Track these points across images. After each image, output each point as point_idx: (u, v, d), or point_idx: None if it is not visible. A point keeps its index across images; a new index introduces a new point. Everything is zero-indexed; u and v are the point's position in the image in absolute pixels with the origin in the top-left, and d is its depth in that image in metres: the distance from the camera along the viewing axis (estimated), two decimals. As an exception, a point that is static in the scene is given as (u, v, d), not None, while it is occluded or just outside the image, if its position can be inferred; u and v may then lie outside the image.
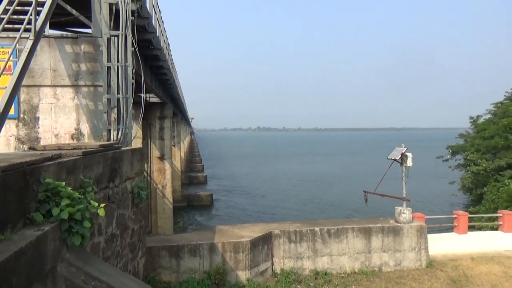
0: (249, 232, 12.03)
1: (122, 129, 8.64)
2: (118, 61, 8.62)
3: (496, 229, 14.79)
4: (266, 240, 11.93)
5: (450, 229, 14.56)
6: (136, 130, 12.18)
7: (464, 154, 44.99)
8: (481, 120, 52.21)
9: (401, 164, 13.15)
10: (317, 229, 12.35)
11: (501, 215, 14.51)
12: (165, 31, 14.85)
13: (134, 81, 9.09)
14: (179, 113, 37.68)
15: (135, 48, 9.04)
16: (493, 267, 12.49)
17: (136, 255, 8.15)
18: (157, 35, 11.65)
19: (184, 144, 57.75)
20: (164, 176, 19.14)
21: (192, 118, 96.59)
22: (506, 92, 51.01)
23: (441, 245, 13.87)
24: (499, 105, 50.20)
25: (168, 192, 19.17)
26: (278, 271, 11.90)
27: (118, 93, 8.67)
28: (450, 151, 49.80)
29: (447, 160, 49.91)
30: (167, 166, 19.33)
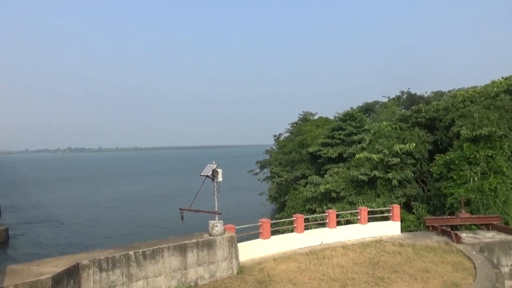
0: (52, 268, 10.53)
1: None
2: None
3: (293, 231, 17.22)
4: (72, 274, 10.66)
5: (257, 236, 16.17)
6: None
7: (270, 167, 51.24)
8: (282, 137, 60.73)
9: (213, 179, 13.93)
10: (131, 252, 11.80)
11: (295, 218, 17.00)
12: None
13: None
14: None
15: None
16: (290, 264, 14.46)
17: None
18: None
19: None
20: None
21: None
22: (299, 114, 60.68)
23: (250, 251, 15.27)
24: (294, 124, 59.35)
25: None
26: (87, 305, 10.77)
27: None
28: (259, 165, 56.05)
29: (256, 173, 55.90)
30: None
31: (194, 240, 13.13)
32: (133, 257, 11.81)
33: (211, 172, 13.73)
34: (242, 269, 13.97)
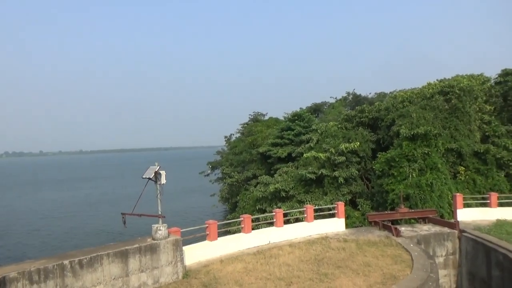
0: (-27, 283, 9.63)
1: None
2: None
3: (240, 231, 17.15)
4: (-2, 288, 9.81)
5: (205, 238, 15.91)
6: None
7: (221, 168, 50.97)
8: (233, 138, 60.66)
9: (156, 182, 13.49)
10: (66, 262, 11.09)
11: (242, 219, 16.95)
12: None
13: None
14: None
15: None
16: (237, 265, 14.36)
17: None
18: None
19: None
20: None
21: None
22: (250, 114, 60.90)
23: (196, 254, 14.98)
24: (245, 125, 59.49)
25: None
26: (16, 321, 9.95)
27: None
28: (210, 166, 55.55)
29: (207, 175, 55.35)
30: None
31: (136, 245, 12.62)
32: (68, 266, 11.11)
33: (153, 174, 13.29)
34: (188, 273, 13.66)
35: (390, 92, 53.66)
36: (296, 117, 39.57)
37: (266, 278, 13.11)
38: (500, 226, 19.29)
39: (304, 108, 53.25)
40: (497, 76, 33.20)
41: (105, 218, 48.15)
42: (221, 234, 17.05)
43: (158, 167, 13.37)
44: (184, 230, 14.91)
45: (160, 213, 13.51)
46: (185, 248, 14.33)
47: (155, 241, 13.12)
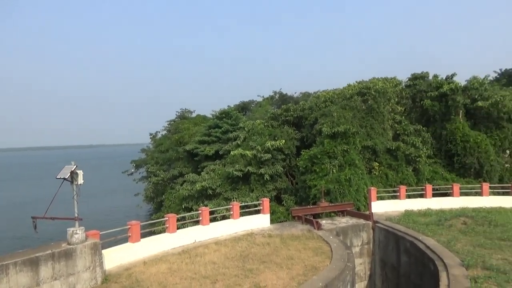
0: None
1: None
2: None
3: (165, 231, 16.70)
4: None
5: (127, 240, 15.20)
6: None
7: (146, 167, 49.19)
8: (159, 135, 58.91)
9: (72, 182, 12.56)
10: (-38, 274, 9.85)
11: (167, 218, 16.52)
12: None
13: None
14: None
15: None
16: (161, 266, 13.97)
17: None
18: None
19: None
20: None
21: None
22: (177, 111, 59.61)
23: (118, 257, 14.26)
24: (172, 122, 58.13)
25: None
26: None
27: None
28: (134, 165, 53.36)
29: (131, 174, 53.10)
30: None
31: (48, 252, 11.63)
32: (-34, 279, 9.89)
33: (69, 174, 12.35)
34: (107, 278, 12.95)
35: (314, 92, 56.21)
36: (224, 115, 39.65)
37: (191, 277, 12.94)
38: (407, 216, 21.24)
39: (232, 106, 53.56)
40: (407, 79, 36.40)
41: (14, 223, 43.80)
42: (145, 235, 16.45)
43: (75, 166, 12.46)
44: (104, 232, 14.09)
45: (76, 215, 12.61)
46: (104, 251, 13.57)
47: (71, 246, 12.22)
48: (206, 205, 24.85)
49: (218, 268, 13.74)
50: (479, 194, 24.37)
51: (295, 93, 60.13)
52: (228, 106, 46.76)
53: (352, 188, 24.09)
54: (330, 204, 22.42)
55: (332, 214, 22.80)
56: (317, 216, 21.91)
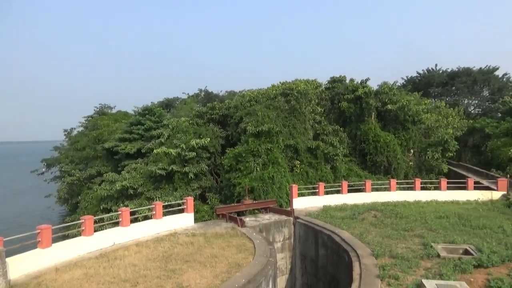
0: None
1: None
2: None
3: (80, 234, 15.63)
4: None
5: (36, 246, 13.95)
6: None
7: (59, 166, 45.50)
8: (75, 132, 54.91)
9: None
10: None
11: (83, 220, 15.49)
12: None
13: None
14: None
15: None
16: (75, 272, 13.06)
17: None
18: None
19: None
20: None
21: None
22: (95, 106, 56.15)
23: (25, 265, 13.03)
24: (89, 118, 54.58)
25: None
26: None
27: None
28: (45, 164, 49.01)
29: (42, 173, 48.71)
30: None
31: None
32: None
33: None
34: (12, 288, 11.77)
35: (239, 91, 56.86)
36: (147, 111, 38.28)
37: (109, 282, 12.30)
38: (325, 211, 22.52)
39: (156, 102, 51.93)
40: (327, 82, 38.50)
41: None
42: (58, 239, 15.28)
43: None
44: (8, 238, 12.78)
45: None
46: (9, 259, 12.32)
47: (-33, 255, 10.89)
48: (126, 206, 23.78)
49: (139, 271, 13.25)
50: (388, 189, 26.65)
51: (221, 91, 60.29)
52: (151, 102, 45.24)
53: (275, 186, 24.83)
54: (254, 202, 22.88)
55: (256, 211, 23.28)
56: (241, 213, 22.22)
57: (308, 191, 25.92)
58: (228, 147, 28.57)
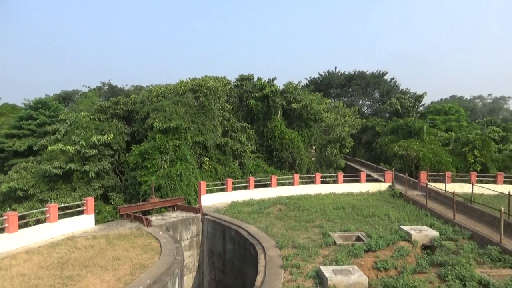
0: None
1: None
2: None
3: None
4: None
5: None
6: None
7: None
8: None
9: None
10: None
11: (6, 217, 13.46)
12: None
13: None
14: None
15: None
16: None
17: None
18: None
19: None
20: None
21: None
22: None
23: None
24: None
25: None
26: None
27: None
28: None
29: None
30: None
31: None
32: None
33: None
34: None
35: (146, 86, 54.70)
36: (40, 105, 34.71)
37: (-9, 296, 10.94)
38: (233, 206, 22.91)
39: (51, 95, 47.34)
40: (235, 80, 39.10)
41: None
42: None
43: None
44: None
45: None
46: None
47: None
48: (14, 209, 21.34)
49: (29, 280, 12.01)
50: (292, 184, 28.10)
51: (126, 85, 57.26)
52: (46, 95, 41.13)
53: (183, 183, 24.48)
54: (161, 200, 22.29)
55: (163, 209, 22.70)
56: (147, 212, 21.47)
57: (216, 187, 26.07)
58: (133, 144, 27.32)
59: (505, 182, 26.83)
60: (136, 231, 17.68)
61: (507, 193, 17.53)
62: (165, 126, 25.74)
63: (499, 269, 12.74)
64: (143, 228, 18.14)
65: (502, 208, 14.65)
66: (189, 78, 37.40)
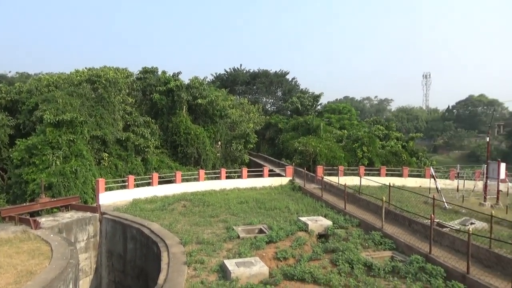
0: None
1: None
2: None
3: None
4: None
5: None
6: None
7: None
8: None
9: None
10: None
11: None
12: None
13: None
14: None
15: None
16: None
17: None
18: None
19: None
20: None
21: None
22: None
23: None
24: None
25: None
26: None
27: None
28: None
29: None
30: None
31: None
32: None
33: None
34: None
35: (35, 74, 49.23)
36: None
37: None
38: (135, 204, 22.00)
39: None
40: (138, 72, 37.35)
41: None
42: None
43: None
44: None
45: None
46: None
47: None
48: None
49: None
50: (197, 179, 27.97)
51: (9, 72, 50.83)
52: None
53: (78, 181, 22.69)
54: (52, 200, 20.33)
55: (55, 210, 20.72)
56: (36, 214, 19.41)
57: (117, 184, 24.74)
58: (18, 138, 24.42)
59: (387, 175, 30.35)
60: (22, 235, 15.88)
61: (388, 184, 19.92)
62: (57, 119, 23.49)
63: (380, 251, 14.40)
64: (30, 231, 16.36)
65: (384, 198, 16.59)
66: (85, 68, 34.66)
